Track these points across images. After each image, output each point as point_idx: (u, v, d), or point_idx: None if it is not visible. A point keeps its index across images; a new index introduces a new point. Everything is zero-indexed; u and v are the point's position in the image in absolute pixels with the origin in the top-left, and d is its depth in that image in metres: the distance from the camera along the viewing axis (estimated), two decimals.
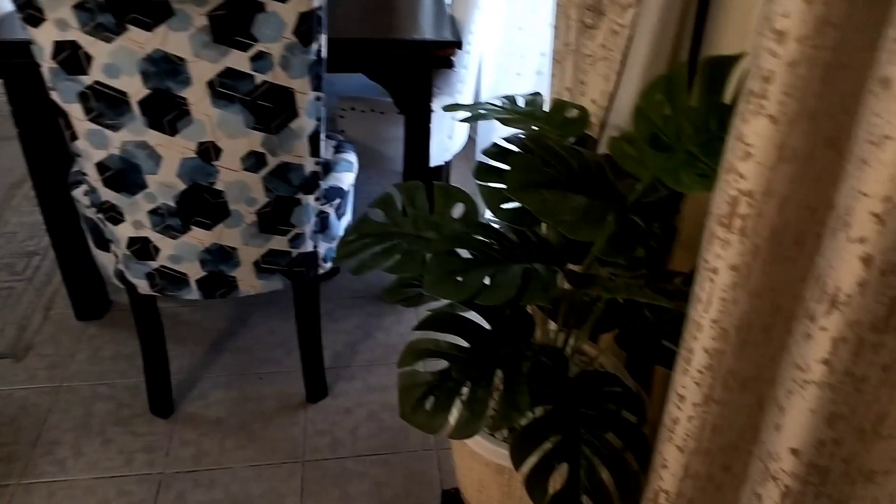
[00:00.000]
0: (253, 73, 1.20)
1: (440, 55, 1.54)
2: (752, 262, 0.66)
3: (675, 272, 1.06)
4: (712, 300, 0.70)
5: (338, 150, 1.60)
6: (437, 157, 1.77)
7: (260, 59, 1.18)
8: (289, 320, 1.92)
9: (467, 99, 1.82)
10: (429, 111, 1.62)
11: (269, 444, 1.58)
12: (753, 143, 0.61)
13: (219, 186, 1.30)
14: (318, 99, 1.29)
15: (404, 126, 1.66)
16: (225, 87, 1.20)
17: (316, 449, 1.57)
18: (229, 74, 1.19)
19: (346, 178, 1.50)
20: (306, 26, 1.17)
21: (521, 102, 1.00)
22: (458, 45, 1.53)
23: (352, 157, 1.59)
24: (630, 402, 0.99)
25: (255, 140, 1.27)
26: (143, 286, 1.42)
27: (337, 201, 1.45)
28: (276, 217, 1.37)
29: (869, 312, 0.56)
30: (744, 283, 0.67)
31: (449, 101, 1.78)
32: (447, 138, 1.79)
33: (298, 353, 1.68)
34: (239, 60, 1.18)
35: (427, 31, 1.59)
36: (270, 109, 1.25)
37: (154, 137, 1.22)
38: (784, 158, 0.61)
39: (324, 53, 1.24)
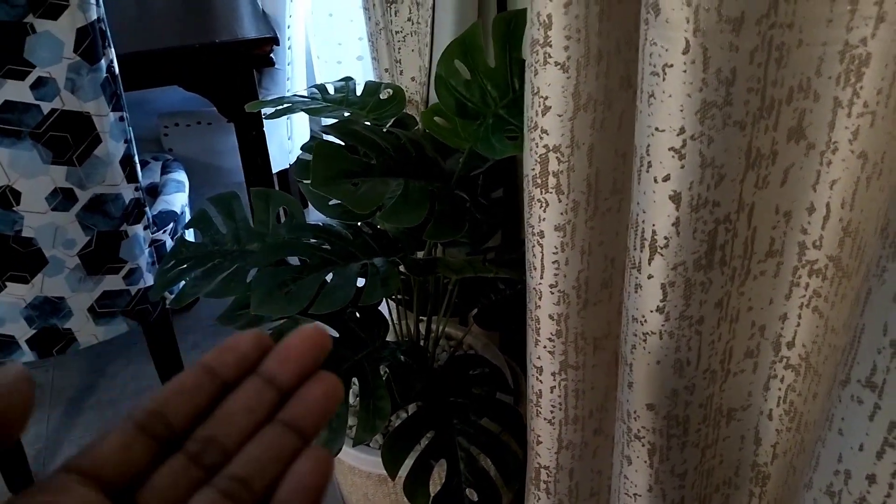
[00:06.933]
0: (37, 102, 1.07)
1: (257, 54, 1.44)
2: (574, 219, 0.63)
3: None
4: (545, 265, 0.66)
5: (165, 170, 1.48)
6: (279, 160, 1.67)
7: (42, 86, 1.05)
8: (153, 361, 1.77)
9: None
10: (258, 114, 1.52)
11: None
12: (549, 95, 0.57)
13: (27, 234, 1.16)
14: (121, 119, 1.17)
15: (236, 134, 1.55)
16: (8, 123, 1.07)
17: None
18: (10, 108, 1.05)
19: (177, 200, 1.38)
20: (88, 42, 1.05)
21: (332, 90, 0.93)
22: (274, 41, 1.44)
23: (181, 175, 1.47)
24: (499, 381, 0.95)
25: (57, 176, 1.14)
26: None
27: (171, 226, 1.33)
28: (101, 255, 1.24)
29: (690, 252, 0.53)
30: (571, 242, 0.64)
31: None
32: (287, 139, 1.70)
33: None
34: (17, 91, 1.04)
35: (237, 30, 1.49)
36: (67, 140, 1.12)
37: None
38: (582, 106, 0.57)
39: (116, 69, 1.12)
